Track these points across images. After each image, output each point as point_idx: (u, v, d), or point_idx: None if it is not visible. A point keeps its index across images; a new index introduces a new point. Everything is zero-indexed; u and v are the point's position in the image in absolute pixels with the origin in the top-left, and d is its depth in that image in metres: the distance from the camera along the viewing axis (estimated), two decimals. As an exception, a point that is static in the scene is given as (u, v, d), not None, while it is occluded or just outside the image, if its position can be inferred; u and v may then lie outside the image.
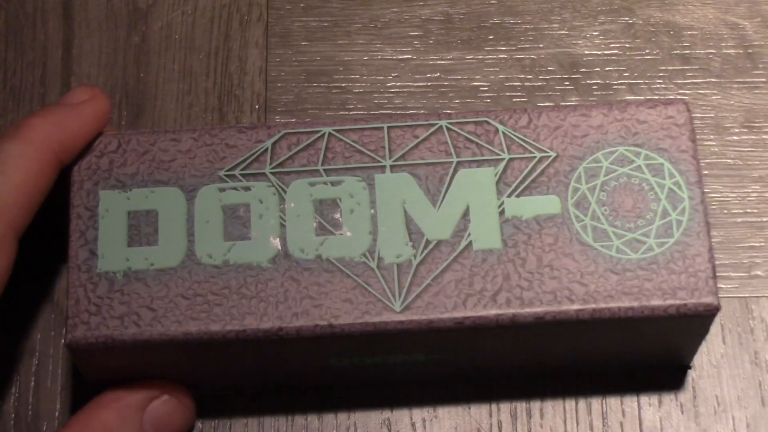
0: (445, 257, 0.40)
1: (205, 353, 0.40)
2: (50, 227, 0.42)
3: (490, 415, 0.43)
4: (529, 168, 0.41)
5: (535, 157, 0.41)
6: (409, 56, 0.48)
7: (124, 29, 0.49)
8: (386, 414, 0.43)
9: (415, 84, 0.48)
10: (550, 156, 0.41)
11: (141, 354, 0.40)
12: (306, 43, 0.48)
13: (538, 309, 0.39)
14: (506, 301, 0.39)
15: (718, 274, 0.45)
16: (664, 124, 0.41)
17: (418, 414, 0.43)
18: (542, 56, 0.48)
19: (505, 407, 0.43)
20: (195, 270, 0.40)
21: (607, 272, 0.40)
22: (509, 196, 0.41)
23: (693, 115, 0.47)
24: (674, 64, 0.48)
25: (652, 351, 0.42)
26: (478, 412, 0.43)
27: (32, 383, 0.44)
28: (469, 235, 0.40)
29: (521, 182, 0.41)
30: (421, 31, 0.49)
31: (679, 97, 0.48)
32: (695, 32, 0.49)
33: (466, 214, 0.40)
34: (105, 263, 0.40)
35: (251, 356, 0.41)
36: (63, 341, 0.44)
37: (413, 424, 0.43)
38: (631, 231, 0.40)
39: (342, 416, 0.43)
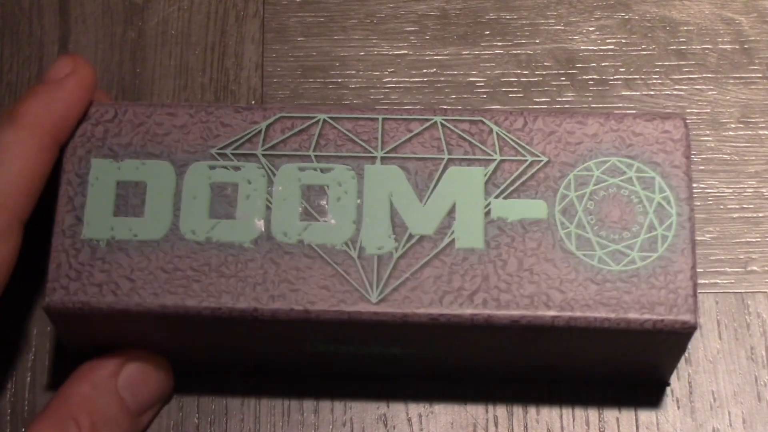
0: (427, 253, 0.40)
1: (180, 328, 0.40)
2: (47, 223, 0.42)
3: (486, 411, 0.43)
4: (519, 171, 0.41)
5: (526, 160, 0.41)
6: (406, 52, 0.48)
7: (121, 25, 0.49)
8: (382, 409, 0.43)
9: (411, 80, 0.48)
10: (542, 161, 0.41)
11: (118, 323, 0.40)
12: (302, 38, 0.48)
13: (514, 312, 0.39)
14: (483, 302, 0.39)
15: (713, 269, 0.45)
16: (660, 138, 0.41)
17: (414, 409, 0.43)
18: (538, 52, 0.48)
19: (501, 402, 0.43)
20: (177, 244, 0.40)
21: (587, 281, 0.40)
22: (497, 197, 0.41)
23: (689, 110, 0.47)
24: (670, 59, 0.48)
25: (629, 365, 0.42)
26: (475, 407, 0.43)
27: (28, 379, 0.44)
28: (453, 232, 0.40)
29: (510, 184, 0.41)
30: (417, 27, 0.49)
31: (675, 93, 0.47)
32: (691, 28, 0.48)
33: (451, 212, 0.40)
34: (90, 230, 0.40)
35: (226, 335, 0.41)
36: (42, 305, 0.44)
37: (409, 420, 0.43)
38: (615, 242, 0.40)
39: (338, 411, 0.43)
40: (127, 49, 0.48)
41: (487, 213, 0.40)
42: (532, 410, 0.43)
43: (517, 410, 0.43)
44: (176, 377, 0.43)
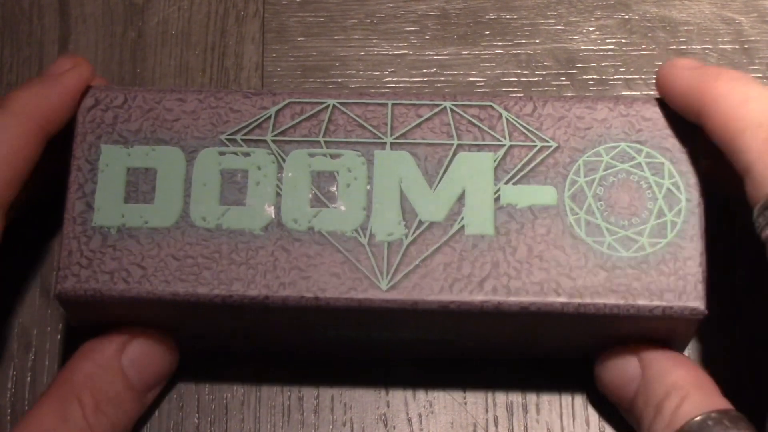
0: (437, 240, 0.40)
1: (191, 314, 0.40)
2: (46, 222, 0.42)
3: (486, 411, 0.43)
4: (529, 156, 0.41)
5: (535, 145, 0.41)
6: (406, 51, 0.48)
7: (121, 25, 0.49)
8: (383, 409, 0.44)
9: (412, 79, 0.47)
10: (551, 146, 0.41)
11: (129, 310, 0.40)
12: (302, 38, 0.48)
13: (524, 299, 0.39)
14: (492, 289, 0.39)
15: None
16: (669, 123, 0.41)
17: (415, 409, 0.44)
18: (538, 51, 0.48)
19: (501, 402, 0.43)
20: (188, 231, 0.40)
21: (596, 268, 0.40)
22: (506, 183, 0.41)
23: None
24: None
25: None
26: (474, 407, 0.43)
27: (28, 378, 0.44)
28: (462, 219, 0.40)
29: (520, 170, 0.41)
30: (418, 27, 0.48)
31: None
32: (691, 27, 0.48)
33: (461, 198, 0.40)
34: (100, 217, 0.40)
35: (237, 321, 0.41)
36: (52, 293, 0.44)
37: (409, 420, 0.44)
38: (624, 228, 0.40)
39: (338, 411, 0.43)
40: (127, 49, 0.48)
41: (497, 199, 0.40)
42: (532, 410, 0.43)
43: (517, 410, 0.43)
44: (180, 370, 0.43)
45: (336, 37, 0.48)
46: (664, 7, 0.49)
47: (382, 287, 0.39)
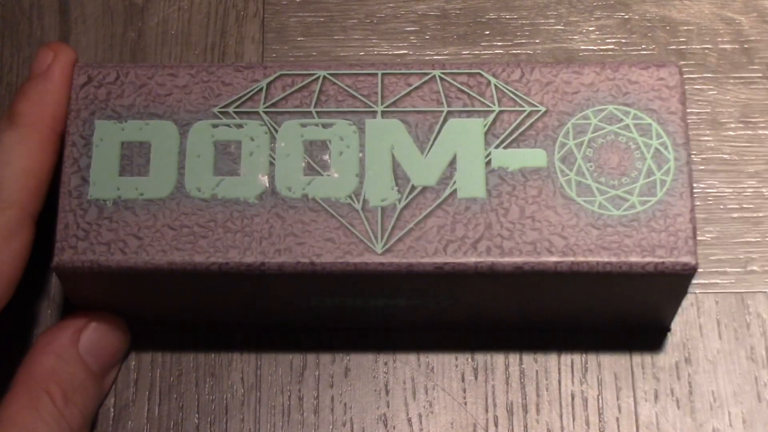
0: (430, 203, 0.40)
1: (188, 285, 0.41)
2: (46, 221, 0.42)
3: (486, 411, 0.44)
4: (518, 121, 0.41)
5: (524, 110, 0.42)
6: (406, 51, 0.48)
7: (121, 25, 0.49)
8: (383, 409, 0.44)
9: (412, 79, 0.48)
10: (540, 110, 0.42)
11: (127, 282, 0.41)
12: (302, 38, 0.48)
13: (518, 259, 0.40)
14: (486, 250, 0.40)
15: (713, 269, 0.45)
16: (655, 85, 0.42)
17: (414, 409, 0.44)
18: (538, 51, 0.48)
19: (501, 402, 0.44)
20: (183, 202, 0.41)
21: (588, 227, 0.40)
22: (497, 147, 0.41)
23: (689, 110, 0.47)
24: (670, 59, 0.48)
25: (632, 310, 0.43)
26: (474, 407, 0.44)
27: None
28: (455, 183, 0.41)
29: (509, 134, 0.41)
30: (417, 27, 0.49)
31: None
32: (691, 27, 0.48)
33: (452, 163, 0.41)
34: (96, 190, 0.41)
35: (233, 291, 0.41)
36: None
37: (409, 420, 0.44)
38: (614, 188, 0.41)
39: (338, 411, 0.43)
40: (127, 49, 0.48)
41: (488, 163, 0.41)
42: (532, 410, 0.43)
43: (517, 410, 0.43)
44: (180, 369, 0.44)
45: (336, 37, 0.48)
46: (664, 7, 0.49)
47: (376, 251, 0.40)
